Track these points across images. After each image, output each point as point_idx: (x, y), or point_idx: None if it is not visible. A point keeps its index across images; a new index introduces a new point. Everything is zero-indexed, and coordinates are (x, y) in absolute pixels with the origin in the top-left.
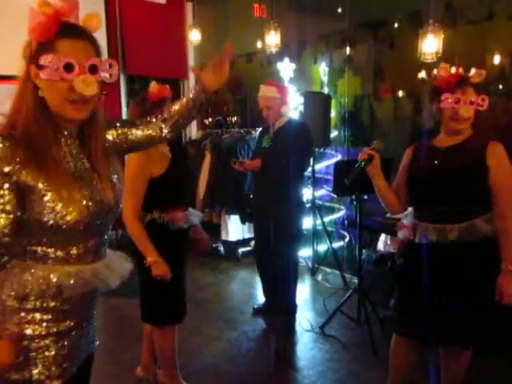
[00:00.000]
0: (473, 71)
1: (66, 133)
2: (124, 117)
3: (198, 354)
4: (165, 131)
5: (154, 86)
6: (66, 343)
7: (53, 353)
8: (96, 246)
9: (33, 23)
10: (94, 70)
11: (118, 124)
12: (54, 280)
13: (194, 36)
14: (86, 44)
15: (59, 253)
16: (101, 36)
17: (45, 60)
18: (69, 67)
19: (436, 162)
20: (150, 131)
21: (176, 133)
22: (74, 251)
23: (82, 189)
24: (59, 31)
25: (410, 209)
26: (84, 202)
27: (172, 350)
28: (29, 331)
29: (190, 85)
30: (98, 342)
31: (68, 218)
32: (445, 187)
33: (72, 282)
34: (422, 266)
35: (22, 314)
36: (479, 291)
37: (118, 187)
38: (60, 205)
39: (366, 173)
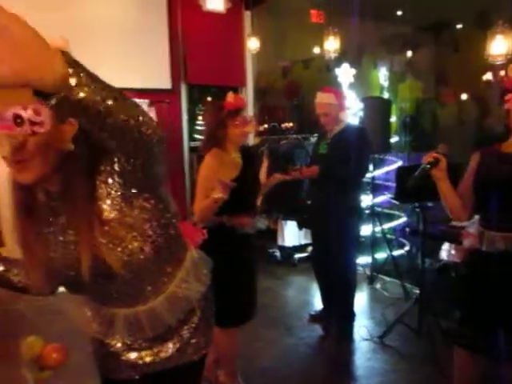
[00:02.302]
0: None
1: (41, 196)
2: (184, 124)
3: (257, 358)
4: None
5: (230, 96)
6: None
7: None
8: (108, 297)
9: None
10: (19, 121)
11: None
12: None
13: (253, 44)
14: (16, 91)
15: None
16: (163, 46)
17: None
18: None
19: (507, 169)
20: None
21: None
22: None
23: (48, 250)
24: None
25: (477, 217)
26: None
27: (234, 352)
28: None
29: (248, 92)
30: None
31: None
32: None
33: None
34: (489, 276)
35: None
36: None
37: (106, 254)
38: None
39: (429, 177)
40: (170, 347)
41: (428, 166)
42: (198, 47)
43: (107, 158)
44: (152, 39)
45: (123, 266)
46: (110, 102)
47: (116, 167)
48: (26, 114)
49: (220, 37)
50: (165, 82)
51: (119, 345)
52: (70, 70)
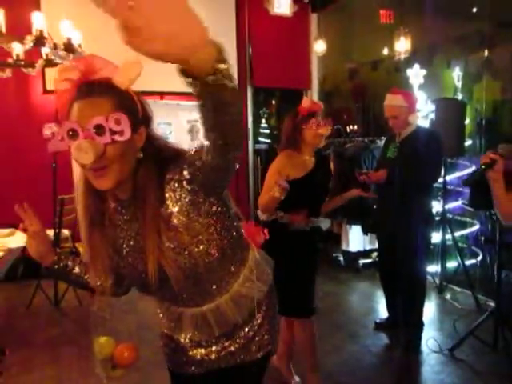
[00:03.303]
0: None
1: (111, 203)
2: (250, 127)
3: (320, 363)
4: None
5: (305, 101)
6: None
7: None
8: (175, 299)
9: (57, 94)
10: (100, 130)
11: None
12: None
13: (319, 47)
14: (95, 101)
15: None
16: (231, 50)
17: (49, 130)
18: (73, 133)
19: None
20: None
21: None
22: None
23: (116, 256)
24: (77, 94)
25: None
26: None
27: (313, 344)
28: None
29: (313, 95)
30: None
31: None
32: None
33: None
34: None
35: None
36: None
37: (172, 259)
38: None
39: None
40: (235, 344)
41: (483, 166)
42: (264, 50)
43: (176, 166)
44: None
45: (189, 270)
46: (239, 104)
47: (186, 174)
48: (107, 123)
49: (286, 40)
50: None
51: (187, 341)
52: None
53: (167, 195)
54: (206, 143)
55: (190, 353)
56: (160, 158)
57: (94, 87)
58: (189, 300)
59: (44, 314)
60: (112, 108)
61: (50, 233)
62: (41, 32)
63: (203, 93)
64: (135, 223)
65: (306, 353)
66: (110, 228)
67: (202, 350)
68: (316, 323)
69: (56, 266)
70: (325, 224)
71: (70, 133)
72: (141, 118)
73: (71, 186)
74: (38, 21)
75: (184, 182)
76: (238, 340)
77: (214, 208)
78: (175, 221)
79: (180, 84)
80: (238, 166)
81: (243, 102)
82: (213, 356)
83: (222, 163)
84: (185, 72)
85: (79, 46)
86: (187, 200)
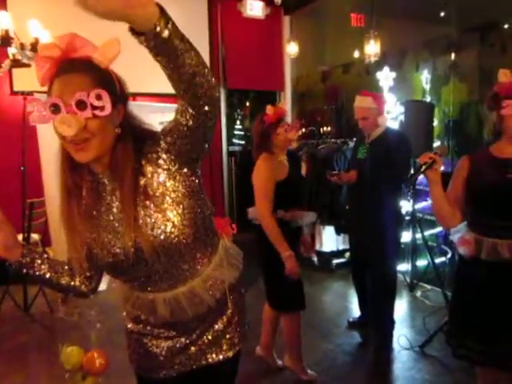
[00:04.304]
0: None
1: (88, 177)
2: (223, 129)
3: None
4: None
5: (269, 109)
6: None
7: None
8: (148, 280)
9: (39, 71)
10: (82, 105)
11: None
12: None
13: (292, 49)
14: (76, 77)
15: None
16: (203, 52)
17: (32, 106)
18: (55, 108)
19: (510, 176)
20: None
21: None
22: (126, 282)
23: (91, 231)
24: (58, 71)
25: (463, 224)
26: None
27: (299, 336)
28: None
29: (287, 97)
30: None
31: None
32: None
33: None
34: (487, 285)
35: None
36: None
37: (149, 231)
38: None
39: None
40: (205, 341)
41: (423, 166)
42: (237, 53)
43: (153, 141)
44: None
45: (164, 245)
46: (193, 53)
47: (162, 143)
48: (89, 99)
49: (259, 42)
50: None
51: (157, 345)
52: (161, 14)
53: (144, 168)
54: (179, 104)
55: (161, 357)
56: (137, 135)
57: (75, 64)
58: (161, 281)
59: (12, 320)
60: (93, 84)
61: (19, 237)
62: (6, 32)
63: (153, 48)
64: (112, 197)
65: (292, 343)
66: (87, 202)
67: (173, 353)
68: None
69: (23, 260)
70: (312, 218)
71: (52, 108)
72: (119, 96)
73: (41, 189)
74: (3, 20)
75: (161, 153)
76: (209, 337)
77: (189, 181)
78: (152, 192)
79: (152, 85)
80: (211, 167)
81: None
82: (183, 358)
83: (197, 122)
84: (133, 30)
85: None
86: (164, 170)
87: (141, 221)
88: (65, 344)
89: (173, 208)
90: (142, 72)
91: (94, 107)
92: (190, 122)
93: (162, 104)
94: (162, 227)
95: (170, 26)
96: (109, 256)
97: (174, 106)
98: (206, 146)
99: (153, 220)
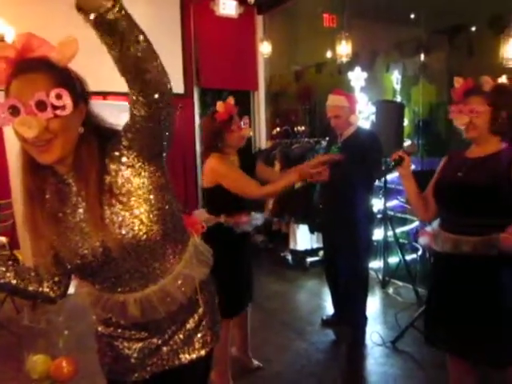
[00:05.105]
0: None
1: (52, 179)
2: (197, 128)
3: (268, 362)
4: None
5: (220, 106)
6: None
7: None
8: (118, 280)
9: None
10: (42, 106)
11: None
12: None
13: (265, 48)
14: (34, 77)
15: (88, 282)
16: (176, 51)
17: None
18: (14, 110)
19: (460, 174)
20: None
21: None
22: (96, 284)
23: (58, 234)
24: (14, 71)
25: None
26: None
27: (225, 350)
28: None
29: (260, 96)
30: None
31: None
32: (464, 200)
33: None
34: (440, 276)
35: None
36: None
37: (117, 229)
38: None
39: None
40: (178, 341)
41: (393, 163)
42: (210, 52)
43: (115, 139)
44: (165, 44)
45: (132, 244)
46: (141, 37)
47: (123, 141)
48: (48, 99)
49: (232, 41)
50: (177, 87)
51: (128, 347)
52: None
53: (108, 166)
54: (131, 94)
55: (132, 359)
56: (100, 134)
57: (32, 64)
58: (132, 281)
59: None
60: (52, 83)
61: None
62: None
63: (97, 28)
64: (77, 198)
65: (216, 357)
66: (51, 205)
67: (145, 355)
68: (264, 322)
69: None
70: (258, 220)
71: (11, 110)
72: (80, 95)
73: (7, 191)
74: None
75: (124, 150)
76: (181, 336)
77: (155, 177)
78: (117, 190)
79: (123, 84)
80: (184, 167)
81: (191, 103)
82: (156, 359)
83: (151, 112)
84: (79, 9)
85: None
86: (128, 167)
87: (107, 220)
88: (31, 352)
89: (140, 205)
90: (112, 70)
91: (54, 107)
92: (142, 112)
93: None
94: (130, 225)
95: (117, 7)
96: (77, 258)
97: None
98: (167, 138)
99: (120, 218)
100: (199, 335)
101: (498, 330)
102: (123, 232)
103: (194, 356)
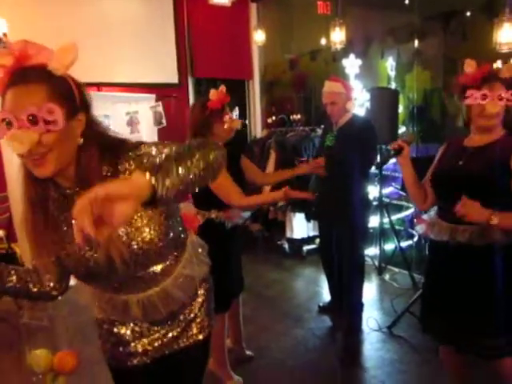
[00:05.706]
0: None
1: (53, 191)
2: None
3: (266, 349)
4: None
5: (213, 93)
6: None
7: None
8: (121, 285)
9: None
10: (34, 120)
11: None
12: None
13: (259, 36)
14: (29, 89)
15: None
16: (170, 41)
17: None
18: (7, 123)
19: (460, 163)
20: None
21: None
22: (99, 288)
23: (61, 243)
24: (9, 81)
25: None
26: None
27: (222, 338)
28: None
29: (255, 85)
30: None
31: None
32: (464, 189)
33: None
34: (435, 264)
35: None
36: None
37: (122, 242)
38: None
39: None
40: (177, 328)
41: (392, 152)
42: (204, 41)
43: (127, 156)
44: (158, 34)
45: (137, 255)
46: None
47: (139, 166)
48: (40, 113)
49: (226, 30)
50: (171, 77)
51: (128, 333)
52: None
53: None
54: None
55: (133, 344)
56: (103, 144)
57: (29, 74)
58: (134, 285)
59: None
60: (46, 95)
61: None
62: None
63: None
64: None
65: (214, 347)
66: (55, 217)
67: (145, 340)
68: (262, 310)
69: None
70: (247, 214)
71: (5, 122)
72: (79, 104)
73: (3, 184)
74: None
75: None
76: (179, 323)
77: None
78: None
79: (118, 75)
80: None
81: (185, 93)
82: (156, 344)
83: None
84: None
85: (4, 34)
86: None
87: (112, 235)
88: (32, 347)
89: (143, 220)
90: (107, 60)
91: (46, 122)
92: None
93: (129, 94)
94: (134, 238)
95: (160, 187)
96: (81, 267)
97: (141, 95)
98: None
99: (124, 232)
100: (197, 320)
101: (490, 320)
102: (127, 244)
103: (191, 340)
